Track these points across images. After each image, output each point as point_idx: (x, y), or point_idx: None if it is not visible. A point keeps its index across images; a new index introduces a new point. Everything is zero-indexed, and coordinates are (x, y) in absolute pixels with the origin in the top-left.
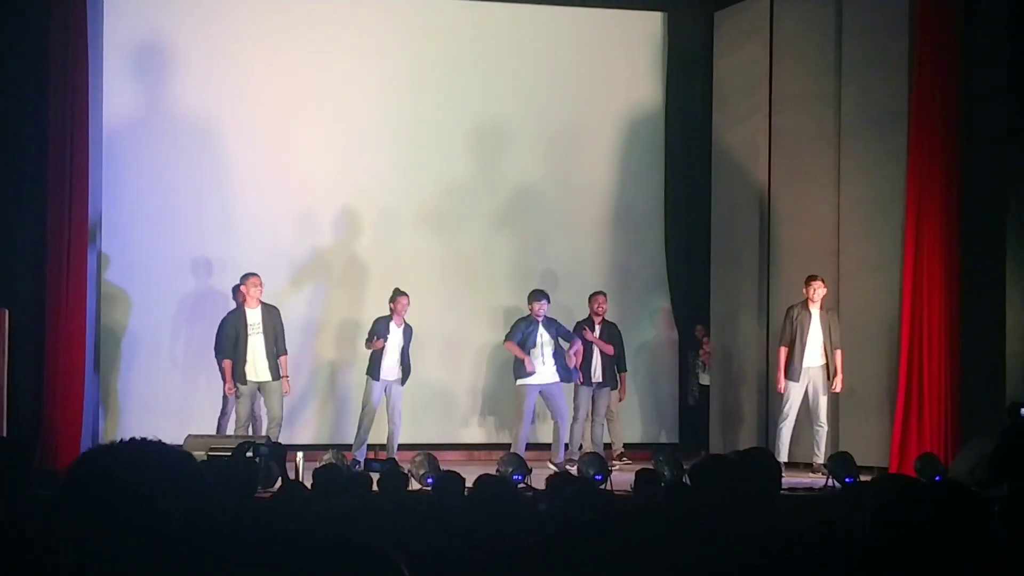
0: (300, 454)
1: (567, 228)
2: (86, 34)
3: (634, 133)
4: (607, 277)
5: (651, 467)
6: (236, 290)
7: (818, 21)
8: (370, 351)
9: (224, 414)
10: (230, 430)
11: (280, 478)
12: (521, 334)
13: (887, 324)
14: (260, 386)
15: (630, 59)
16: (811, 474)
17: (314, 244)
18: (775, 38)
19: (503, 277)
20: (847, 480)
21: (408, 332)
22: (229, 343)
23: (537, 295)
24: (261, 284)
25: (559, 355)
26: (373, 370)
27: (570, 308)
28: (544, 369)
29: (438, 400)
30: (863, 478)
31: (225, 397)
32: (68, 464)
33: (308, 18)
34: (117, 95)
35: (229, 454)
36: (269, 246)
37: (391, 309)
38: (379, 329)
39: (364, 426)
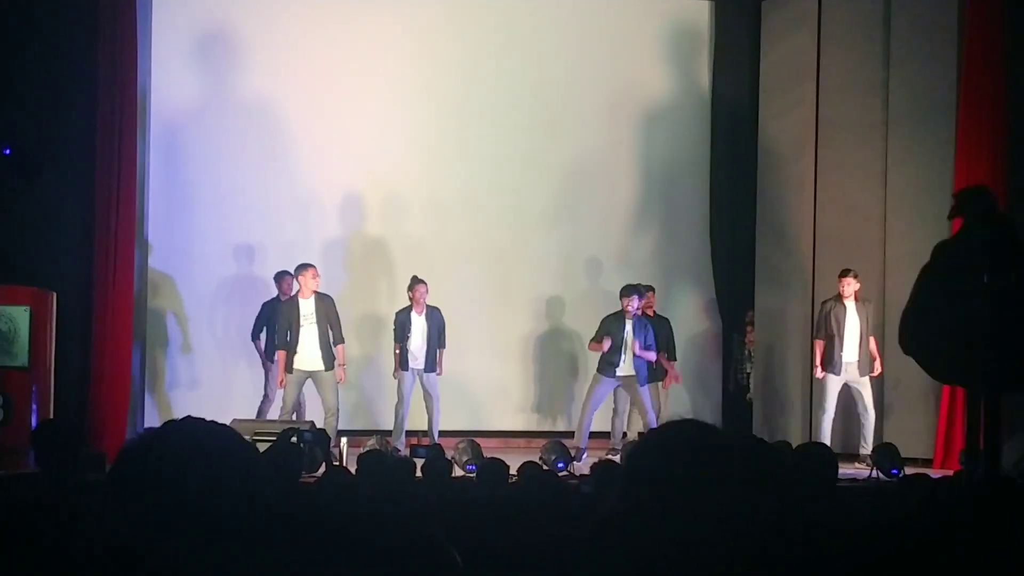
0: (344, 440)
1: (611, 217)
2: (135, 20)
3: (680, 123)
4: (651, 266)
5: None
6: (280, 278)
7: (866, 11)
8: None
9: (266, 399)
10: (272, 416)
11: (324, 463)
12: (607, 331)
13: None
14: (311, 376)
15: (677, 49)
16: (856, 464)
17: (358, 232)
18: (823, 28)
19: (546, 266)
20: (893, 472)
21: (433, 316)
22: (282, 332)
23: (627, 290)
24: (318, 275)
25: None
26: (401, 360)
27: (613, 295)
28: (625, 366)
29: (474, 388)
30: (908, 470)
31: (267, 382)
32: (114, 446)
33: (355, 3)
34: (165, 81)
35: (273, 439)
36: (311, 234)
37: (410, 299)
38: (401, 323)
39: (398, 415)
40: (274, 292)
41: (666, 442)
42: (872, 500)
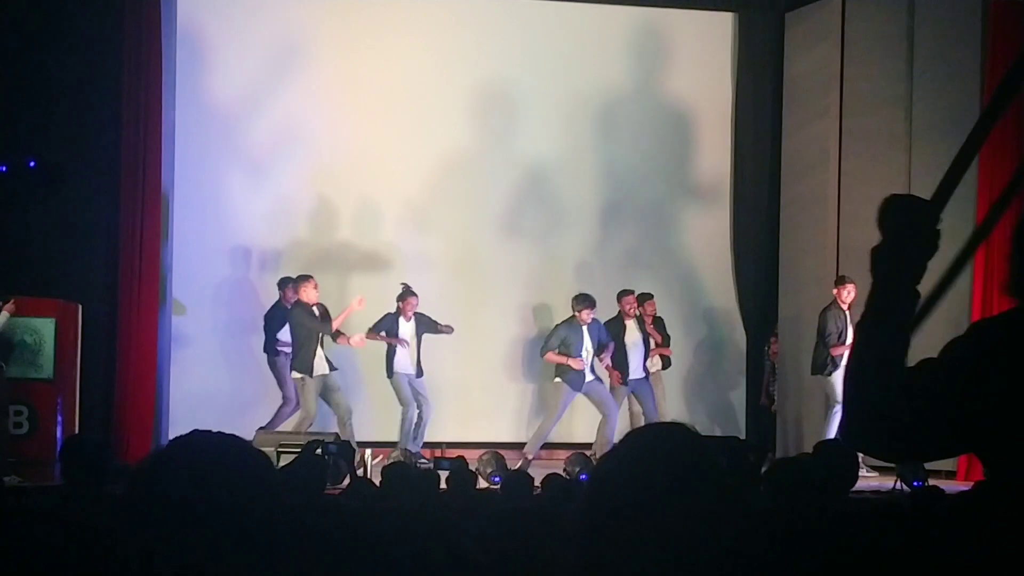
0: (368, 451)
1: (634, 227)
2: (160, 31)
3: (703, 133)
4: (673, 275)
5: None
6: (284, 286)
7: (890, 23)
8: (386, 349)
9: (286, 402)
10: (289, 426)
11: (348, 475)
12: (559, 340)
13: (956, 324)
14: (325, 381)
15: (700, 59)
16: (868, 474)
17: (372, 239)
18: (846, 40)
19: (567, 272)
20: (915, 484)
21: (421, 321)
22: (303, 332)
23: (584, 300)
24: (317, 287)
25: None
26: (388, 367)
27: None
28: (586, 371)
29: (459, 397)
30: (931, 482)
31: (283, 384)
32: (139, 457)
33: (376, 10)
34: (190, 90)
35: (298, 451)
36: (330, 240)
37: (398, 308)
38: (387, 324)
39: (408, 419)
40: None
41: (634, 449)
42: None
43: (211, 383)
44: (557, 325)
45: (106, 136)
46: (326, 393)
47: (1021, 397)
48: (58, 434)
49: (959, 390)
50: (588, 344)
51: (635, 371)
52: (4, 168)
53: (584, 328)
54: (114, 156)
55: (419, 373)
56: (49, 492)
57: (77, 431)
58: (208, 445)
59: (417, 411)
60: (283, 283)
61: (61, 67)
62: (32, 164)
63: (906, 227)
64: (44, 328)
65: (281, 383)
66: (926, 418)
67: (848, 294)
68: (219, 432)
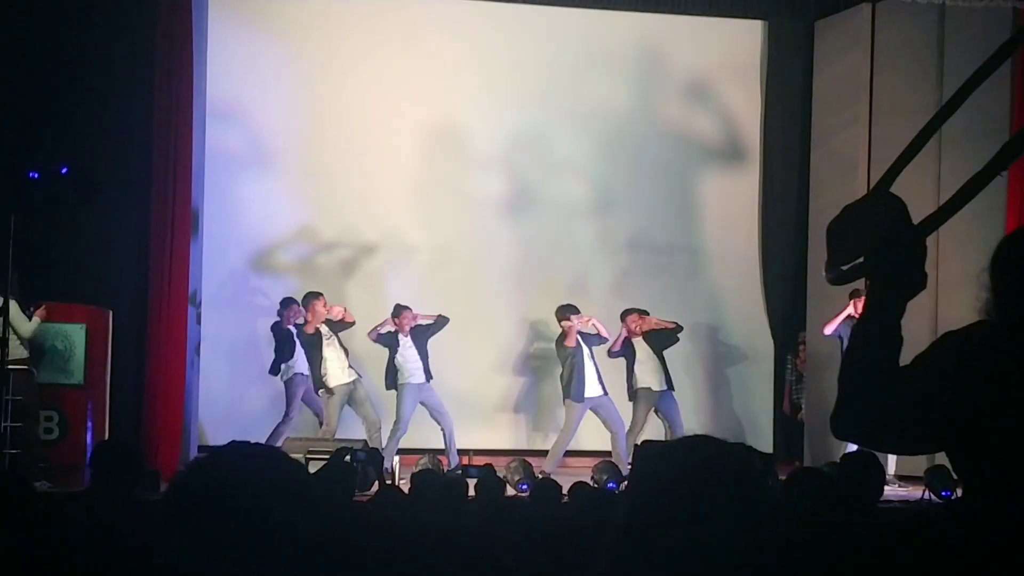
0: (396, 458)
1: (662, 236)
2: (191, 39)
3: (732, 141)
4: (700, 285)
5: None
6: (286, 306)
7: (920, 31)
8: (386, 363)
9: (286, 419)
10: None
11: (376, 482)
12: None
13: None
14: (351, 390)
15: (730, 66)
16: (899, 486)
17: (397, 249)
18: (876, 48)
19: (599, 281)
20: (944, 494)
21: (419, 332)
22: (310, 352)
23: (566, 310)
24: (327, 303)
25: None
26: (389, 379)
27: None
28: (592, 385)
29: (466, 405)
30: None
31: (289, 403)
32: (168, 463)
33: (404, 22)
34: (222, 99)
35: (327, 458)
36: (355, 251)
37: (395, 325)
38: (387, 342)
39: (395, 438)
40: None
41: (674, 457)
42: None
43: (239, 390)
44: (557, 346)
45: (137, 144)
46: (354, 405)
47: (981, 404)
48: (88, 440)
49: (928, 392)
50: (586, 350)
51: (657, 385)
52: (36, 175)
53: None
54: (145, 164)
55: (429, 377)
56: (79, 497)
57: (107, 437)
58: (245, 456)
59: (440, 427)
60: (286, 303)
61: (93, 75)
62: (64, 171)
63: (893, 262)
64: (75, 334)
65: (289, 400)
66: (908, 413)
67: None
68: (256, 443)
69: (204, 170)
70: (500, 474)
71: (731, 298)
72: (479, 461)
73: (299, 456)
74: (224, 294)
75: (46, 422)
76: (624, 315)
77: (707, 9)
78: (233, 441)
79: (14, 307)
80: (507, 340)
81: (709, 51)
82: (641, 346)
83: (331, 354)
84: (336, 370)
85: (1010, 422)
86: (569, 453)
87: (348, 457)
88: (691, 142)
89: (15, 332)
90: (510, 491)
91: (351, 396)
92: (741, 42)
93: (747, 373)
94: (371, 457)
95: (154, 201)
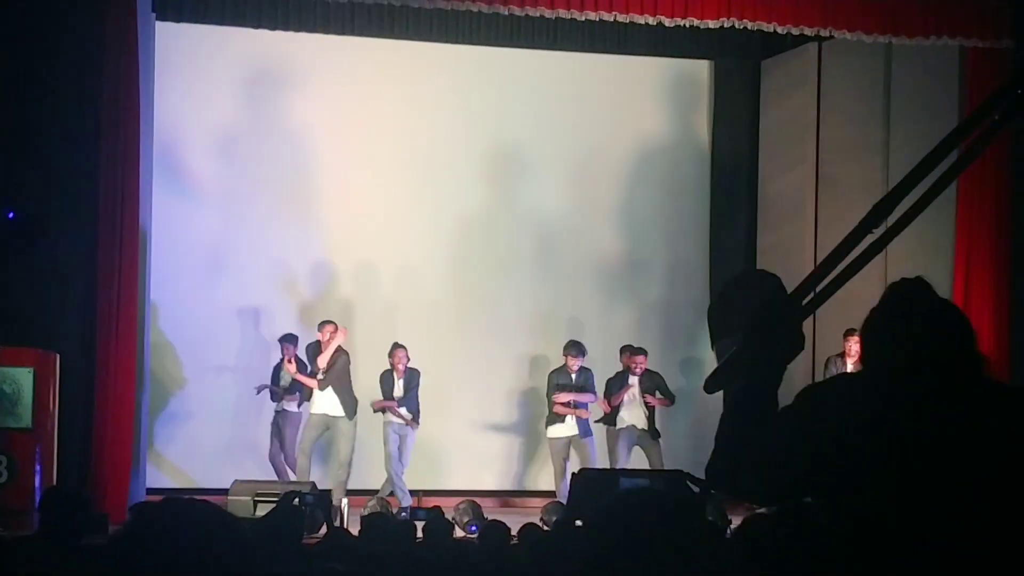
0: (345, 500)
1: (608, 275)
2: (138, 79)
3: (680, 180)
4: (649, 323)
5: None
6: (286, 343)
7: (866, 71)
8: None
9: (279, 446)
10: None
11: (324, 524)
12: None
13: None
14: (331, 423)
15: (676, 107)
16: None
17: (360, 294)
18: (823, 87)
19: (536, 322)
20: None
21: (409, 378)
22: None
23: (572, 347)
24: (337, 331)
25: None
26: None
27: (606, 358)
28: (570, 421)
29: (434, 445)
30: None
31: (278, 427)
32: (116, 506)
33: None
34: (171, 139)
35: (275, 501)
36: (311, 296)
37: (391, 364)
38: (385, 386)
39: (394, 472)
40: (278, 358)
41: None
42: None
43: (190, 431)
44: (550, 373)
45: (83, 185)
46: (331, 436)
47: (834, 449)
48: (37, 483)
49: (792, 442)
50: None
51: (641, 423)
52: None
53: (572, 376)
54: (92, 205)
55: (415, 421)
56: (27, 542)
57: (55, 480)
58: (180, 515)
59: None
60: (286, 339)
61: (39, 116)
62: (11, 216)
63: (768, 328)
64: (22, 377)
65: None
66: (775, 464)
67: (853, 347)
68: (191, 499)
69: (152, 211)
70: (449, 515)
71: (683, 336)
72: (428, 502)
73: (247, 499)
74: (173, 334)
75: None
76: (623, 351)
77: (653, 50)
78: (167, 498)
79: None
80: (456, 379)
81: (656, 91)
82: (635, 385)
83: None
84: (324, 399)
85: (865, 463)
86: (517, 493)
87: (296, 500)
88: (637, 183)
89: None
90: (459, 533)
91: (333, 427)
92: (688, 82)
93: (698, 413)
94: (319, 500)
95: (101, 242)
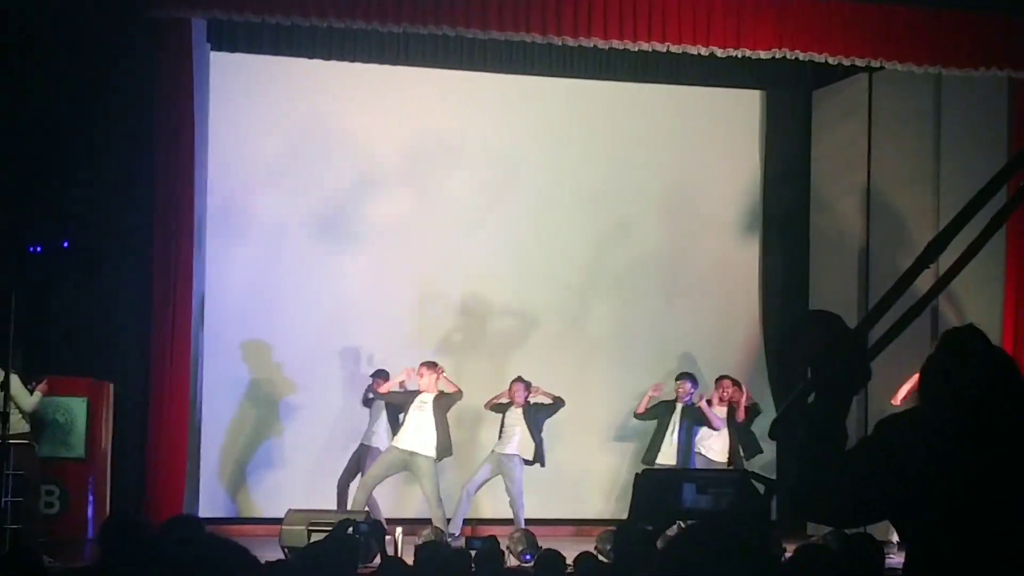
0: (399, 529)
1: (660, 303)
2: (192, 114)
3: (731, 211)
4: (704, 353)
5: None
6: (377, 378)
7: (917, 101)
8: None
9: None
10: (351, 489)
11: (379, 554)
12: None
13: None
14: (409, 461)
15: (728, 137)
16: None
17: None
18: (873, 117)
19: (602, 350)
20: None
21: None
22: (393, 414)
23: (683, 376)
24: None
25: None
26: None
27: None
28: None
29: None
30: None
31: (358, 458)
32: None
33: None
34: (224, 170)
35: (329, 529)
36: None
37: (509, 397)
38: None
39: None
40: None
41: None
42: None
43: (241, 463)
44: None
45: (138, 216)
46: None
47: (915, 478)
48: (90, 513)
49: (871, 471)
50: (676, 421)
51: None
52: (39, 249)
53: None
54: (146, 236)
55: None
56: (83, 574)
57: (108, 510)
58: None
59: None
60: (377, 375)
61: (94, 148)
62: (66, 245)
63: (836, 365)
64: (76, 407)
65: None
66: (855, 490)
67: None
68: (213, 536)
69: (206, 241)
70: (503, 544)
71: (731, 371)
72: (483, 531)
73: (301, 528)
74: (226, 365)
75: (47, 496)
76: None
77: (705, 80)
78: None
79: (16, 381)
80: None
81: (708, 121)
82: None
83: (417, 418)
84: (407, 433)
85: (943, 492)
86: (573, 522)
87: (351, 529)
88: (690, 213)
89: (16, 406)
90: (513, 561)
91: (411, 464)
92: (740, 112)
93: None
94: (373, 529)
95: (155, 272)
